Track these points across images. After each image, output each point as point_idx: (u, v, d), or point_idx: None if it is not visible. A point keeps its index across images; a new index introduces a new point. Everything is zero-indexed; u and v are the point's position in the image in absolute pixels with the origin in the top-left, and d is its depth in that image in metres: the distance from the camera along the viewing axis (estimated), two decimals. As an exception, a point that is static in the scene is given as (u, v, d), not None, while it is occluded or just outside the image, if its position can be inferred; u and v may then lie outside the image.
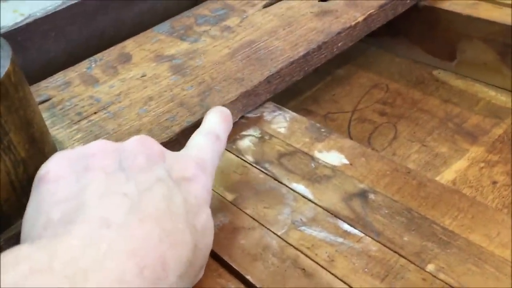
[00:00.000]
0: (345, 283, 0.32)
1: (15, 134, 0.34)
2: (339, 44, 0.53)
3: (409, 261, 0.33)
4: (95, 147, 0.31)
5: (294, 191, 0.39)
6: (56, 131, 0.43)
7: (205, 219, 0.31)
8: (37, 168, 0.37)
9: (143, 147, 0.31)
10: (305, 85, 0.62)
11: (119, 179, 0.29)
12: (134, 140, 0.32)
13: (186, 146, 0.36)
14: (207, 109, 0.44)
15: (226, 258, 0.34)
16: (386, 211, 0.36)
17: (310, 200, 0.38)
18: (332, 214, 0.36)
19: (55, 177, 0.30)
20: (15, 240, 0.35)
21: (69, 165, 0.30)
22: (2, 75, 0.34)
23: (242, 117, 0.47)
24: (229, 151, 0.43)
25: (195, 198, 0.31)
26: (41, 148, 0.38)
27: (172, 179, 0.30)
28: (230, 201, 0.39)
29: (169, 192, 0.29)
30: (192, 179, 0.31)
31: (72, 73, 0.51)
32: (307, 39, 0.51)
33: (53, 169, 0.30)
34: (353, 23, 0.53)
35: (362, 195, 0.37)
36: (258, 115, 0.47)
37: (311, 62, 0.51)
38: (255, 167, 0.41)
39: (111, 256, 0.24)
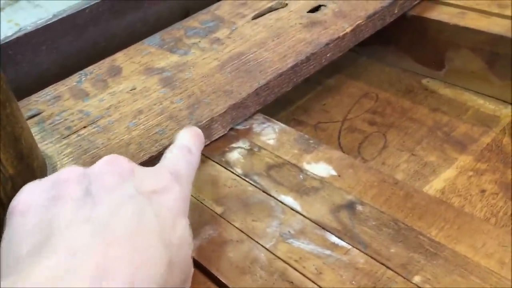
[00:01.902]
0: (332, 295, 0.32)
1: (3, 151, 0.34)
2: (328, 55, 0.53)
3: (396, 273, 0.33)
4: (64, 174, 0.31)
5: (282, 203, 0.39)
6: (46, 146, 0.44)
7: (181, 231, 0.31)
8: (26, 184, 0.37)
9: (110, 166, 0.31)
10: (295, 95, 0.62)
11: (86, 205, 0.28)
12: (102, 161, 0.31)
13: (159, 162, 0.35)
14: (196, 122, 0.44)
15: (214, 271, 0.34)
16: (374, 223, 0.36)
17: (298, 212, 0.38)
18: (320, 226, 0.37)
19: (25, 208, 0.29)
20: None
21: (39, 194, 0.30)
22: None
23: (231, 129, 0.47)
24: (218, 163, 0.44)
25: (168, 211, 0.30)
26: (30, 164, 0.38)
27: (143, 194, 0.29)
28: (219, 214, 0.39)
29: (139, 208, 0.28)
30: (164, 191, 0.31)
31: (62, 87, 0.51)
32: (295, 50, 0.52)
33: (23, 201, 0.30)
34: (341, 34, 0.53)
35: (350, 206, 0.37)
36: (247, 127, 0.47)
37: (299, 73, 0.51)
38: (244, 179, 0.42)
39: (76, 282, 0.24)
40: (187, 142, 0.37)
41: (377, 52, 0.65)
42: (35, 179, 0.39)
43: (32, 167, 0.38)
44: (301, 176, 0.41)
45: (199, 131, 0.40)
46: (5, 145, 0.35)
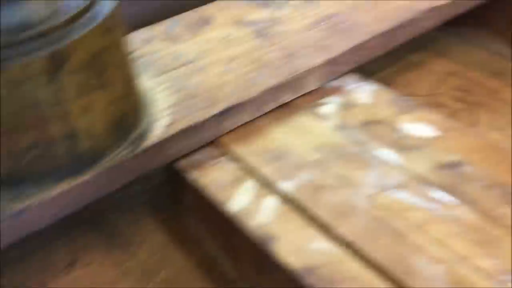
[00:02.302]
0: (436, 247, 0.31)
1: (113, 72, 0.35)
2: (424, 23, 0.51)
3: (504, 232, 0.31)
4: None
5: (380, 157, 0.38)
6: (141, 81, 0.44)
7: None
8: (129, 108, 0.37)
9: None
10: (378, 67, 0.60)
11: None
12: None
13: None
14: (291, 72, 0.44)
15: (314, 212, 0.34)
16: (481, 183, 0.35)
17: (398, 167, 0.37)
18: (422, 181, 0.35)
19: None
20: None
21: None
22: (108, 13, 0.34)
23: (323, 85, 0.46)
24: (310, 114, 0.43)
25: None
26: (132, 90, 0.38)
27: None
28: (315, 161, 0.38)
29: None
30: None
31: (154, 30, 0.51)
32: (392, 15, 0.50)
33: None
34: (440, 4, 0.52)
35: (455, 166, 0.36)
36: (340, 84, 0.47)
37: (395, 38, 0.50)
38: (338, 131, 0.41)
39: None
40: None
41: (466, 32, 0.63)
42: (138, 103, 0.39)
43: (134, 93, 0.38)
44: (399, 134, 0.40)
45: None
46: (116, 66, 0.35)
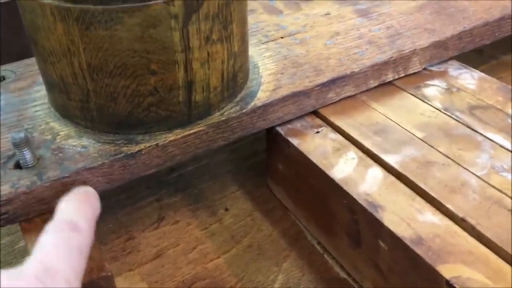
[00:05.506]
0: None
1: (236, 26, 0.35)
2: (533, 18, 0.50)
3: None
4: None
5: (491, 140, 0.37)
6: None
7: None
8: (241, 67, 0.38)
9: None
10: (471, 65, 0.59)
11: None
12: None
13: (33, 249, 0.25)
14: (397, 50, 0.43)
15: (422, 185, 0.33)
16: None
17: (510, 151, 0.36)
18: (537, 167, 0.34)
19: None
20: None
21: None
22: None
23: (425, 69, 0.45)
24: (413, 95, 0.42)
25: None
26: (246, 49, 0.38)
27: None
28: (420, 138, 0.37)
29: None
30: None
31: (255, 3, 0.52)
32: (501, 5, 0.49)
33: None
34: (551, -2, 0.50)
35: None
36: (442, 69, 0.46)
37: (503, 28, 0.48)
38: (444, 113, 0.40)
39: None
40: (72, 215, 0.27)
41: None
42: (248, 64, 0.39)
43: (247, 54, 0.39)
44: (509, 120, 0.38)
45: (91, 193, 0.30)
46: (238, 21, 0.35)
